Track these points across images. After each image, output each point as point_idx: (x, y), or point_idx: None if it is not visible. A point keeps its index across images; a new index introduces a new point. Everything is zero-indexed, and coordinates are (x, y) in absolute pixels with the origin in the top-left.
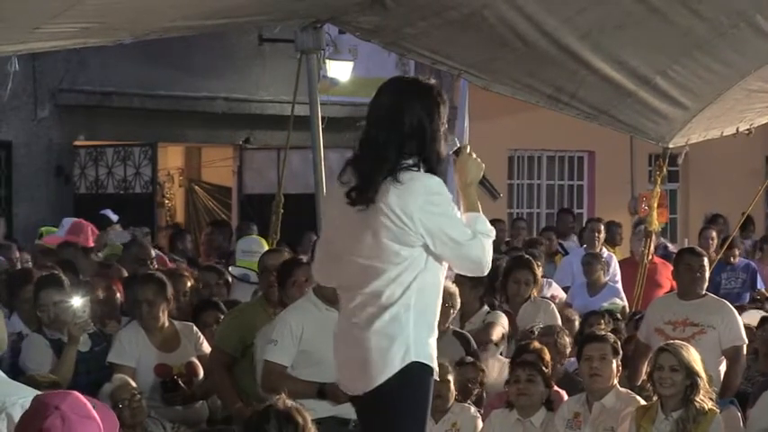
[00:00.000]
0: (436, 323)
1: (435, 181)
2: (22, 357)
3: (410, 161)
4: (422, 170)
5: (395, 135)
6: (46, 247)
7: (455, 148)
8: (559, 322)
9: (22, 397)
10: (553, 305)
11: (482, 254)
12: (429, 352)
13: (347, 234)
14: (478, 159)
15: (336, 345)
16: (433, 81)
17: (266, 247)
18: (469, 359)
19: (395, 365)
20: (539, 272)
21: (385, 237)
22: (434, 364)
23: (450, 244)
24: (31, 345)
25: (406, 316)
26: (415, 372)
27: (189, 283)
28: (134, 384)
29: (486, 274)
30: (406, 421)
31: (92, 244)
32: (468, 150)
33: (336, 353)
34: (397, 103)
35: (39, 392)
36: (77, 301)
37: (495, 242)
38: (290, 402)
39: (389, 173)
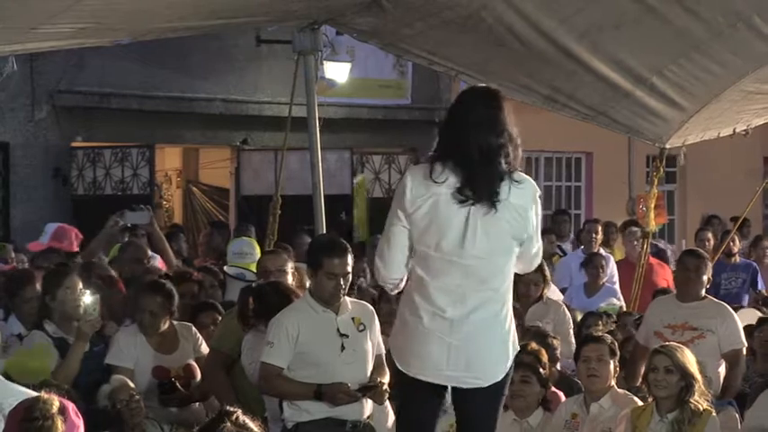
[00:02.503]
0: None
1: (533, 181)
2: None
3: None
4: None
5: (503, 139)
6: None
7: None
8: (570, 324)
9: (20, 399)
10: (564, 307)
11: (541, 249)
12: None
13: (460, 233)
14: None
15: (451, 343)
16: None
17: (258, 249)
18: None
19: (511, 355)
20: (548, 272)
21: (507, 232)
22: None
23: (537, 238)
24: (34, 343)
25: (511, 307)
26: (514, 358)
27: (196, 288)
28: (132, 385)
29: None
30: (502, 402)
31: (76, 249)
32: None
33: (448, 351)
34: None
35: (35, 393)
36: (88, 299)
37: None
38: (242, 419)
39: (506, 172)
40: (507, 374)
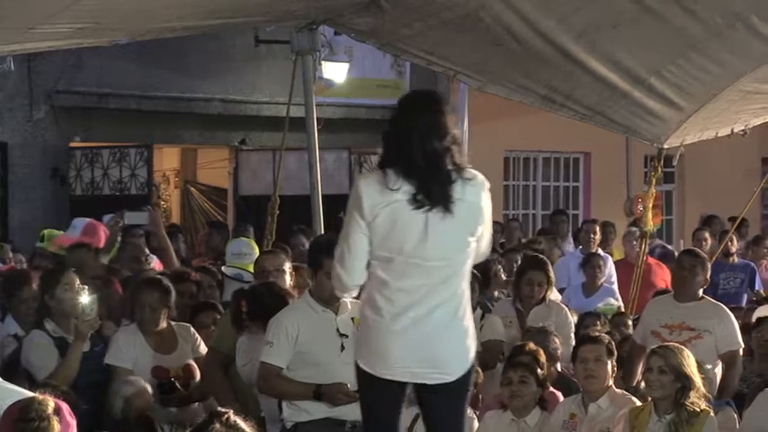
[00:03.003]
0: None
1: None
2: (24, 354)
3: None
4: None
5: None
6: (47, 249)
7: None
8: (572, 327)
9: (16, 399)
10: (566, 310)
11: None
12: None
13: (421, 238)
14: None
15: (417, 340)
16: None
17: (256, 250)
18: None
19: (472, 350)
20: (552, 273)
21: (465, 231)
22: None
23: (489, 231)
24: (34, 342)
25: (469, 305)
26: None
27: (194, 288)
28: (150, 394)
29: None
30: (467, 397)
31: (102, 245)
32: None
33: (413, 348)
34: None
35: (33, 394)
36: (86, 299)
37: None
38: (233, 419)
39: (456, 172)
40: (470, 371)
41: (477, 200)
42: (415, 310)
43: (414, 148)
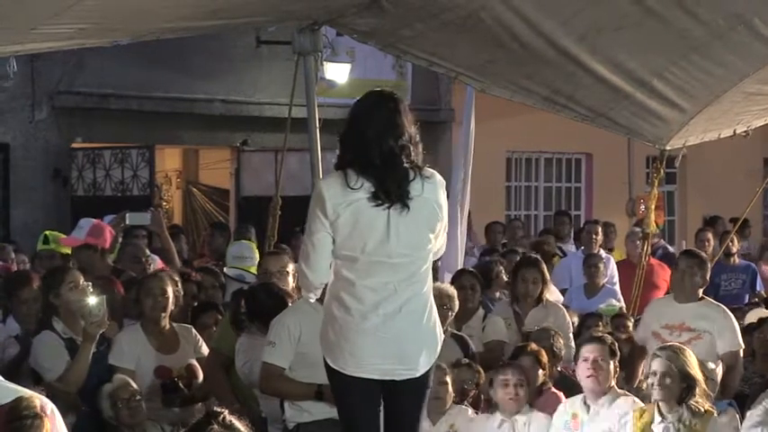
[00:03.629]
0: None
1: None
2: (33, 355)
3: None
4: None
5: (404, 140)
6: (51, 250)
7: None
8: (570, 327)
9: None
10: (564, 310)
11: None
12: None
13: (384, 235)
14: None
15: (382, 337)
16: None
17: (257, 253)
18: (465, 361)
19: (438, 347)
20: (546, 271)
21: (423, 228)
22: None
23: (444, 230)
24: (44, 343)
25: (433, 301)
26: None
27: (195, 289)
28: (134, 385)
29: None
30: (427, 390)
31: (108, 246)
32: None
33: (380, 346)
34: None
35: (35, 394)
36: (93, 300)
37: (492, 243)
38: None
39: (413, 170)
40: (433, 367)
41: (436, 197)
42: (384, 307)
43: (370, 148)
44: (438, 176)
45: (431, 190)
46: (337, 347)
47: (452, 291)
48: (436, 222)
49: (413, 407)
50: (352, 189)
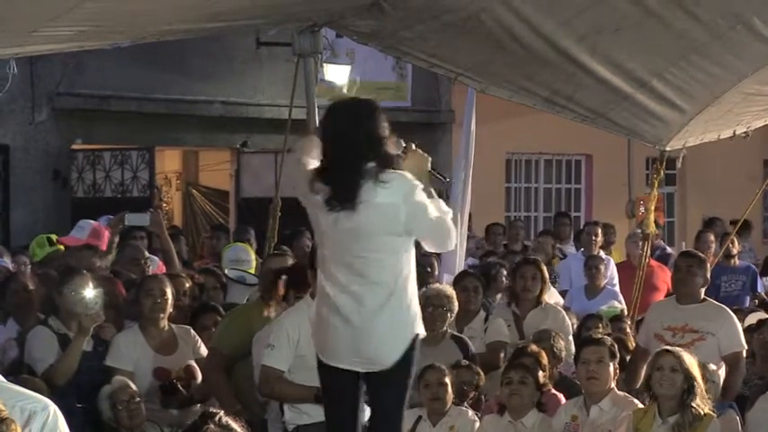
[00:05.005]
0: None
1: (406, 176)
2: (27, 349)
3: (373, 164)
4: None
5: (360, 147)
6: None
7: (402, 148)
8: (569, 330)
9: (20, 400)
10: (563, 313)
11: (449, 229)
12: (421, 322)
13: (338, 237)
14: (424, 154)
15: (346, 333)
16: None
17: (253, 255)
18: (465, 362)
19: (407, 341)
20: (545, 271)
21: (378, 231)
22: (423, 331)
23: (427, 223)
24: (37, 336)
25: (409, 296)
26: (417, 343)
27: (187, 285)
28: (134, 387)
29: (450, 249)
30: (406, 385)
31: (105, 248)
32: (413, 147)
33: (346, 341)
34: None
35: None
36: (89, 293)
37: (492, 245)
38: (225, 419)
39: (367, 175)
40: (405, 359)
41: (392, 200)
42: (342, 306)
43: (327, 154)
44: (399, 180)
45: (386, 195)
46: (316, 338)
47: (451, 292)
48: (395, 225)
49: (386, 398)
50: (312, 193)
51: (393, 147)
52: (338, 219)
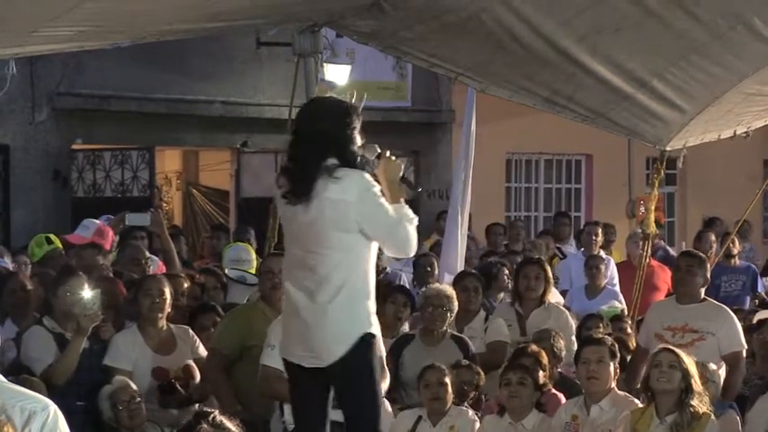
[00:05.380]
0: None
1: (362, 174)
2: (23, 349)
3: (333, 162)
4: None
5: (318, 144)
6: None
7: (377, 153)
8: (572, 330)
9: (20, 400)
10: (566, 313)
11: (407, 235)
12: (377, 324)
13: (293, 232)
14: (397, 161)
15: (297, 326)
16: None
17: (254, 254)
18: (465, 362)
19: (353, 339)
20: (549, 270)
21: (328, 227)
22: (378, 332)
23: (381, 226)
24: (34, 336)
25: (358, 294)
26: (369, 341)
27: (185, 285)
28: (134, 387)
29: (411, 255)
30: (370, 385)
31: (109, 248)
32: (387, 154)
33: (296, 334)
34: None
35: (37, 395)
36: (87, 293)
37: (493, 245)
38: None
39: (323, 171)
40: (360, 359)
41: (343, 196)
42: (296, 300)
43: (288, 150)
44: (352, 177)
45: (337, 191)
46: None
47: (451, 292)
48: (344, 221)
49: (351, 401)
50: (278, 188)
51: (359, 148)
52: (296, 213)
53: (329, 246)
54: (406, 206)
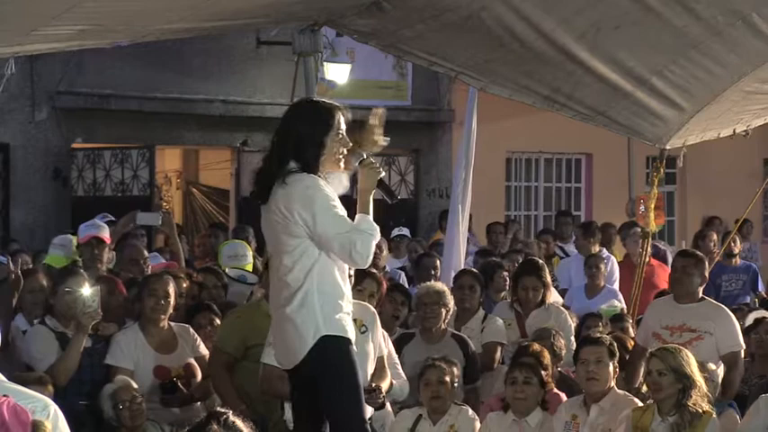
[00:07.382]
0: (344, 301)
1: (312, 180)
2: (25, 348)
3: (294, 166)
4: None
5: (287, 145)
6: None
7: (360, 159)
8: (572, 330)
9: (21, 399)
10: (566, 313)
11: (352, 247)
12: (340, 325)
13: (264, 233)
14: (378, 168)
15: (271, 329)
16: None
17: (250, 251)
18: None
19: (309, 342)
20: (548, 275)
21: (279, 231)
22: (349, 335)
23: (325, 234)
24: (36, 335)
25: (312, 298)
26: (330, 344)
27: (185, 284)
28: (136, 386)
29: (362, 267)
30: (338, 385)
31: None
32: (368, 160)
33: (272, 336)
34: (282, 122)
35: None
36: (87, 291)
37: (493, 245)
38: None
39: (279, 176)
40: (325, 361)
41: (286, 202)
42: (272, 303)
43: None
44: (298, 183)
45: (282, 195)
46: None
47: (441, 287)
48: (287, 228)
49: (327, 404)
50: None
51: (341, 155)
52: (263, 214)
53: (283, 250)
54: (369, 218)
